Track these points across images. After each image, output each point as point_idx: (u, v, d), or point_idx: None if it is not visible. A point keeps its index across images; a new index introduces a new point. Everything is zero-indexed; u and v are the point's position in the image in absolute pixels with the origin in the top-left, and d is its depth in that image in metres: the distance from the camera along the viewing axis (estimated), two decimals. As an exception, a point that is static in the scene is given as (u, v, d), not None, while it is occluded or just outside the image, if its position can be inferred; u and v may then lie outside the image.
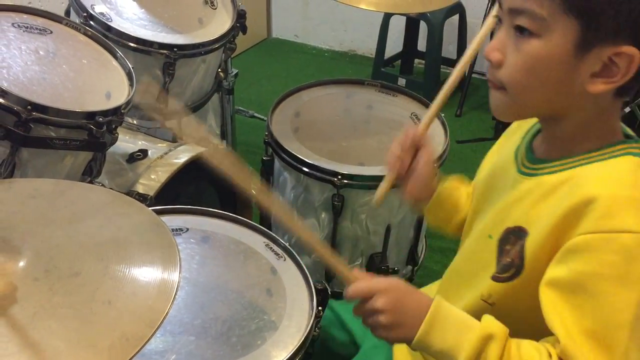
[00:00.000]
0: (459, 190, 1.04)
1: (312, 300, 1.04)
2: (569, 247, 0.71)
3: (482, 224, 0.89)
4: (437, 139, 1.63)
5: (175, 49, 1.59)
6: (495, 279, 0.81)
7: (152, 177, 1.46)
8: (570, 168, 0.76)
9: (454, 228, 1.04)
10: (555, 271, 0.72)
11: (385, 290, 0.80)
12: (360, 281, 0.83)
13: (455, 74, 1.01)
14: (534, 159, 0.83)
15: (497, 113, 0.80)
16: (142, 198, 1.39)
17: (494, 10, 0.81)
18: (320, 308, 1.02)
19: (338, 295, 1.00)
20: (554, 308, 0.71)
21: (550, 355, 0.70)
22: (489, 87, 0.79)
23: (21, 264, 0.73)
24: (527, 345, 0.73)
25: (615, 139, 0.77)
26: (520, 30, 0.73)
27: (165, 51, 1.58)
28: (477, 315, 0.78)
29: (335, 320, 1.15)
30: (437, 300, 0.78)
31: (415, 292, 0.81)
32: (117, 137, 1.30)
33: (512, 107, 0.78)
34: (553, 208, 0.74)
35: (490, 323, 0.75)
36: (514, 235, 0.79)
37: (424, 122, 1.02)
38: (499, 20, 0.77)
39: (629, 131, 0.79)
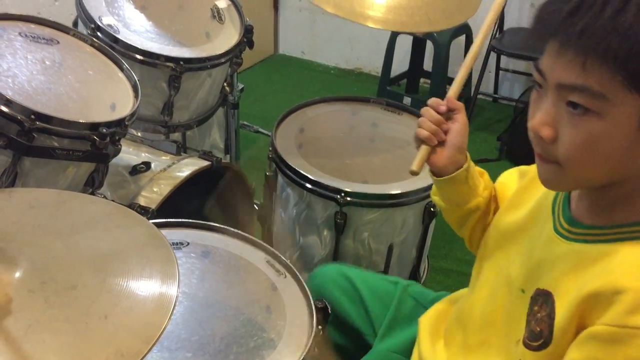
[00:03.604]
0: (480, 179, 0.99)
1: (312, 318, 1.02)
2: (593, 334, 0.69)
3: (510, 270, 0.86)
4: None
5: (181, 62, 1.59)
6: (526, 345, 0.78)
7: (155, 190, 1.46)
8: (609, 242, 0.72)
9: (458, 218, 1.01)
10: (576, 355, 0.70)
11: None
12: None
13: (476, 43, 0.98)
14: (571, 219, 0.78)
15: (548, 185, 0.76)
16: (143, 211, 1.38)
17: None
18: (320, 327, 1.01)
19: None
20: None
21: None
22: (538, 159, 0.74)
23: (17, 274, 0.72)
24: None
25: None
26: (574, 105, 0.67)
27: (171, 64, 1.58)
28: None
29: (351, 292, 1.15)
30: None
31: None
32: (120, 149, 1.29)
33: (567, 181, 0.74)
34: (582, 283, 0.71)
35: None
36: (542, 298, 0.77)
37: (455, 87, 0.96)
38: (538, 85, 0.72)
39: None
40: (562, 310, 0.73)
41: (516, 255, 0.86)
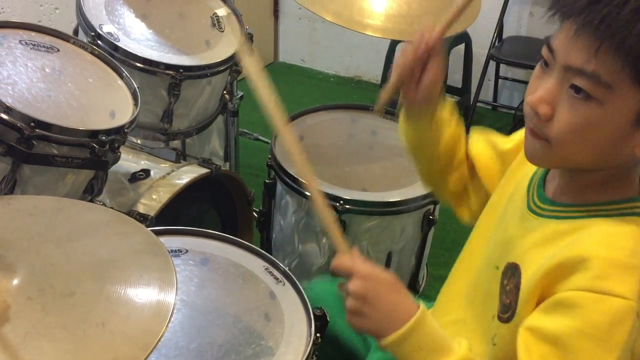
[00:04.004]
0: (449, 122, 0.98)
1: (310, 326, 1.02)
2: (558, 300, 0.70)
3: (490, 251, 0.88)
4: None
5: (181, 70, 1.59)
6: (499, 318, 0.80)
7: (154, 197, 1.46)
8: (577, 218, 0.74)
9: (425, 158, 1.01)
10: (539, 320, 0.71)
11: (364, 276, 0.77)
12: (348, 257, 0.80)
13: None
14: (544, 197, 0.80)
15: (533, 160, 0.78)
16: (142, 218, 1.38)
17: None
18: (318, 335, 1.00)
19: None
20: (527, 353, 0.70)
21: None
22: (528, 133, 0.75)
23: (15, 281, 0.72)
24: None
25: (628, 194, 0.75)
26: (577, 89, 0.68)
27: (171, 72, 1.58)
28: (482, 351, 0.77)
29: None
30: (422, 312, 0.75)
31: (397, 293, 0.77)
32: (119, 156, 1.29)
33: (553, 159, 0.75)
34: (550, 256, 0.72)
35: (466, 353, 0.73)
36: (510, 271, 0.78)
37: (440, 28, 0.89)
38: (544, 62, 0.72)
39: None
40: (526, 280, 0.74)
41: (494, 235, 0.88)
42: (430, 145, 0.99)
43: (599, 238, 0.71)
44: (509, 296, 0.78)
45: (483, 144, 1.01)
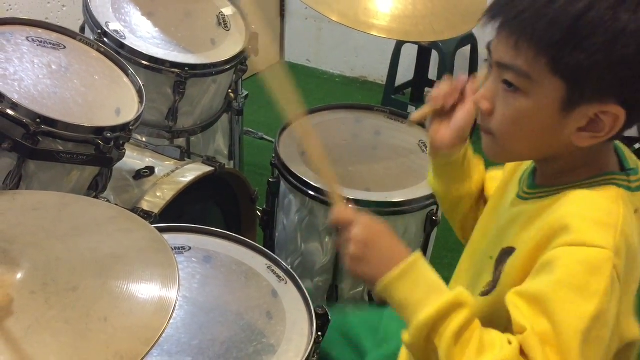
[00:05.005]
0: (476, 168, 1.02)
1: (312, 324, 1.03)
2: (542, 261, 0.72)
3: (486, 244, 0.89)
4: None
5: (186, 68, 1.60)
6: (480, 295, 0.82)
7: (158, 194, 1.46)
8: (557, 194, 0.77)
9: (452, 202, 1.03)
10: (526, 284, 0.73)
11: (364, 224, 0.80)
12: (348, 209, 0.83)
13: None
14: (533, 184, 0.84)
15: (488, 155, 0.83)
16: (146, 215, 1.38)
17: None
18: (320, 333, 1.01)
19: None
20: (519, 311, 0.71)
21: (510, 342, 0.69)
22: (481, 131, 0.81)
23: (19, 276, 0.73)
24: (489, 329, 0.72)
25: (604, 170, 0.78)
26: (508, 84, 0.74)
27: (176, 70, 1.59)
28: None
29: (339, 339, 1.13)
30: (417, 255, 0.77)
31: (394, 239, 0.80)
32: (124, 153, 1.30)
33: (501, 152, 0.81)
34: (535, 231, 0.75)
35: (465, 294, 0.74)
36: (507, 256, 0.80)
37: (477, 85, 0.95)
38: (489, 66, 0.78)
39: (634, 162, 0.79)
40: (516, 256, 0.76)
41: (489, 229, 0.90)
42: (461, 188, 1.01)
43: (577, 202, 0.74)
44: (495, 275, 0.80)
45: (497, 169, 1.02)
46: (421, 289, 0.74)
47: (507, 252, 0.80)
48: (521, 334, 0.69)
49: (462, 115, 0.92)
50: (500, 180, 0.97)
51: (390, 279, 0.76)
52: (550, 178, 0.81)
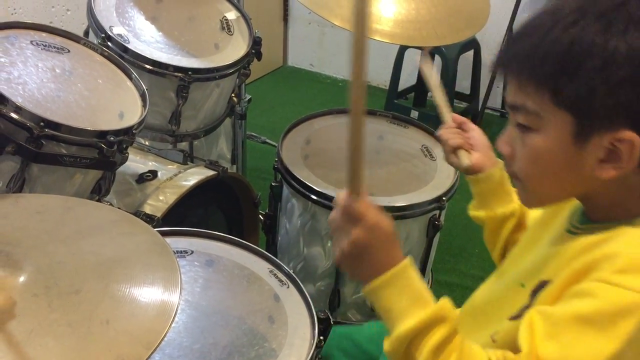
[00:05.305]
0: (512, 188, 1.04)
1: (313, 329, 1.02)
2: (576, 289, 0.69)
3: (517, 272, 0.87)
4: (447, 173, 1.62)
5: (190, 72, 1.60)
6: (510, 319, 0.80)
7: (161, 198, 1.47)
8: (609, 229, 0.74)
9: (495, 226, 1.03)
10: (552, 306, 0.71)
11: (371, 227, 0.77)
12: (361, 202, 0.80)
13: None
14: (585, 219, 0.81)
15: (523, 203, 0.84)
16: (149, 219, 1.39)
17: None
18: (321, 337, 1.01)
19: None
20: (528, 331, 0.69)
21: (489, 359, 0.69)
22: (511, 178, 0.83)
23: (22, 279, 0.73)
24: (471, 345, 0.71)
25: None
26: (521, 125, 0.74)
27: (180, 74, 1.59)
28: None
29: (341, 344, 1.14)
30: (406, 262, 0.76)
31: (392, 246, 0.78)
32: (127, 157, 1.30)
33: (532, 197, 0.80)
34: (580, 265, 0.72)
35: (448, 308, 0.73)
36: (543, 287, 0.77)
37: (445, 111, 1.13)
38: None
39: None
40: (553, 288, 0.74)
41: (522, 257, 0.88)
42: (506, 207, 1.03)
43: (629, 239, 0.71)
44: (530, 303, 0.77)
45: None
46: (406, 298, 0.73)
47: (544, 284, 0.77)
48: (514, 354, 0.68)
49: (478, 134, 1.03)
50: (540, 212, 0.95)
51: (377, 284, 0.74)
52: (600, 213, 0.78)
